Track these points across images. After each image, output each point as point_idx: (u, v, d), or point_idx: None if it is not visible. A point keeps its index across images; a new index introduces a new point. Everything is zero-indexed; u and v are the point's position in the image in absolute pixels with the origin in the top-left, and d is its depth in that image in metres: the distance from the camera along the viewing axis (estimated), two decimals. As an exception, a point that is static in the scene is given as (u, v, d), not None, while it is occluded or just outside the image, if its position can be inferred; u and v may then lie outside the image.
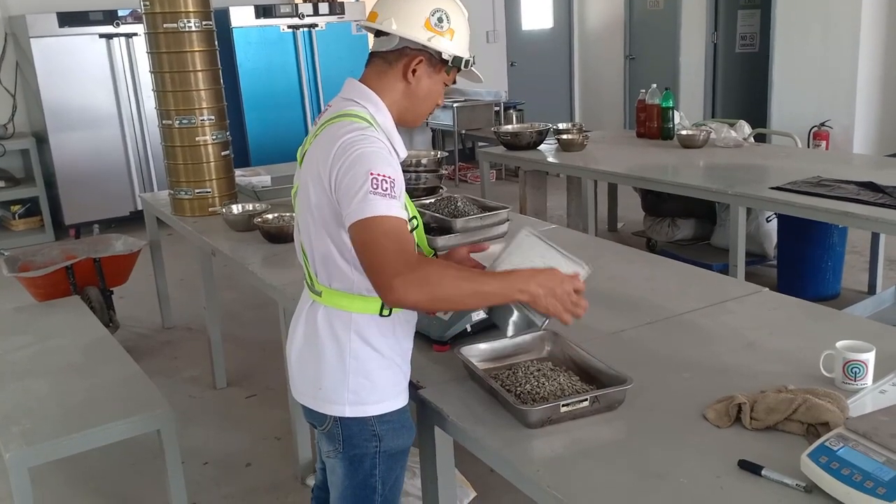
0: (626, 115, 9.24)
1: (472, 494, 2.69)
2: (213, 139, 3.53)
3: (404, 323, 1.71)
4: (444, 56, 1.67)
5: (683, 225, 5.08)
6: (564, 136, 4.69)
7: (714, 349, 1.90)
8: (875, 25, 7.12)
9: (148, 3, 3.37)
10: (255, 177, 4.06)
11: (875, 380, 1.65)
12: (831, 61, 7.17)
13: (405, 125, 1.74)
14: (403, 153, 1.69)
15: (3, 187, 6.48)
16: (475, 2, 8.34)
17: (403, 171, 1.70)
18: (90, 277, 4.13)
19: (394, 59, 1.66)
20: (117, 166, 6.60)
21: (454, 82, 1.77)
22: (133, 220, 6.31)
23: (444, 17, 1.66)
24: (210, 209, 3.54)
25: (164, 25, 3.36)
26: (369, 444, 1.67)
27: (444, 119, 7.95)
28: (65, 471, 3.06)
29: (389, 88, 1.67)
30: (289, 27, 6.95)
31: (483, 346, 1.85)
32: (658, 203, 5.10)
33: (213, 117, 3.51)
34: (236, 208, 3.35)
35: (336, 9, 7.15)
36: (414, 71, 1.66)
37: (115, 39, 6.42)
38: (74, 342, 3.02)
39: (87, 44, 6.32)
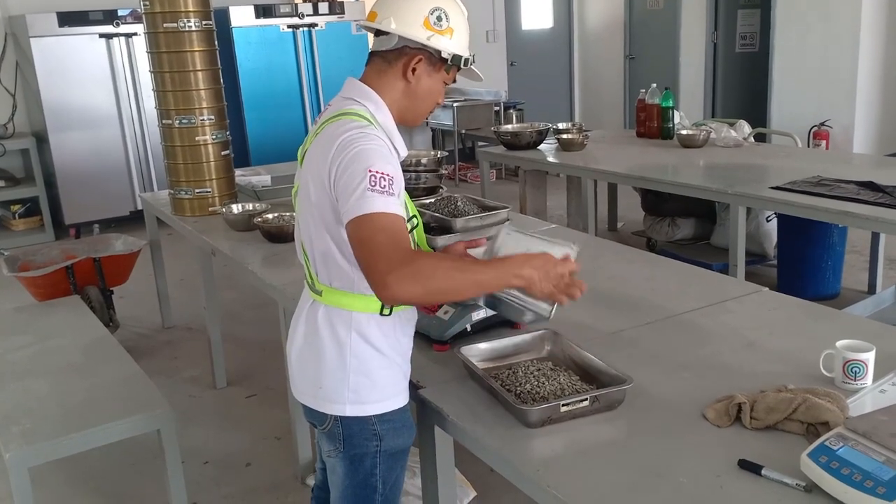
0: (626, 115, 9.24)
1: (472, 494, 2.69)
2: (213, 139, 3.53)
3: (405, 322, 1.71)
4: (444, 55, 1.67)
5: (683, 224, 5.08)
6: (564, 136, 4.69)
7: (714, 349, 1.90)
8: (875, 25, 7.12)
9: (148, 2, 3.37)
10: (255, 176, 4.06)
11: (875, 379, 1.65)
12: (831, 61, 7.17)
13: (406, 124, 1.74)
14: (404, 152, 1.69)
15: (3, 187, 6.48)
16: (475, 1, 8.34)
17: (403, 171, 1.70)
18: (90, 277, 4.13)
19: (393, 59, 1.67)
20: (117, 166, 6.60)
21: (454, 81, 1.77)
22: (133, 220, 6.31)
23: (443, 15, 1.66)
24: (210, 209, 3.54)
25: (164, 25, 3.36)
26: (370, 444, 1.67)
27: (444, 119, 7.95)
28: (65, 471, 3.06)
29: (389, 87, 1.67)
30: (289, 27, 6.95)
31: (483, 346, 1.85)
32: (658, 203, 5.10)
33: (213, 117, 3.51)
34: (236, 208, 3.35)
35: (336, 8, 7.15)
36: (414, 70, 1.66)
37: (115, 39, 6.42)
38: (74, 342, 3.02)
39: (86, 43, 6.32)
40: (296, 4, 7.06)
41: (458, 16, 1.70)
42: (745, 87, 8.32)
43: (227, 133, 3.63)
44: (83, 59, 6.33)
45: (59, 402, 2.50)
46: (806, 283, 4.29)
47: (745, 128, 4.78)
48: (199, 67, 3.44)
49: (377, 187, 1.48)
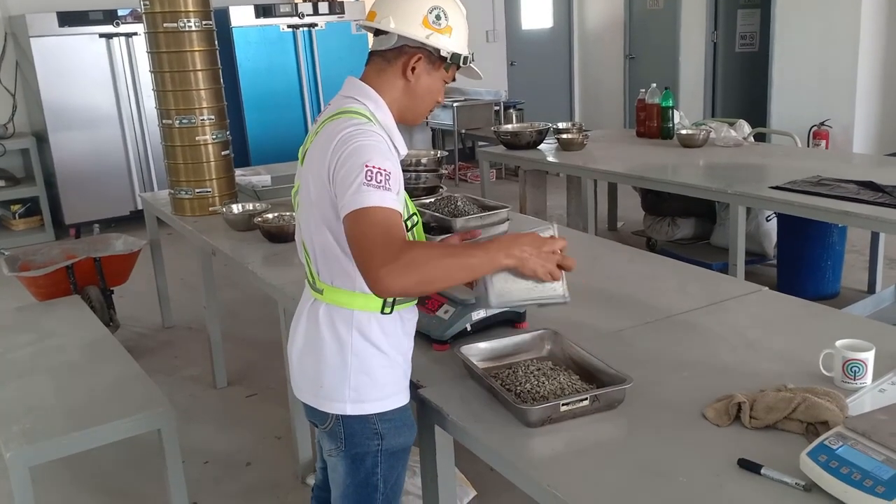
0: (626, 115, 9.24)
1: (473, 493, 2.69)
2: (213, 139, 3.53)
3: (406, 321, 1.72)
4: (443, 53, 1.67)
5: (683, 224, 5.08)
6: (564, 136, 4.69)
7: (713, 348, 1.90)
8: (875, 25, 7.12)
9: (148, 2, 3.37)
10: (255, 176, 4.06)
11: (874, 379, 1.65)
12: (831, 61, 7.17)
13: (406, 123, 1.74)
14: (404, 151, 1.69)
15: (3, 187, 6.48)
16: (475, 1, 8.36)
17: (403, 171, 1.70)
18: (90, 277, 4.13)
19: (393, 58, 1.67)
20: (117, 166, 6.60)
21: (454, 79, 1.77)
22: (133, 220, 6.31)
23: (441, 14, 1.66)
24: (210, 209, 3.54)
25: (164, 25, 3.37)
26: (371, 443, 1.67)
27: (444, 118, 7.95)
28: (65, 470, 3.06)
29: (389, 86, 1.68)
30: (289, 27, 6.95)
31: (483, 346, 1.86)
32: (658, 202, 5.11)
33: (213, 117, 3.51)
34: (236, 208, 3.35)
35: (336, 8, 7.15)
36: (413, 68, 1.66)
37: (115, 39, 6.42)
38: (75, 341, 3.02)
39: (86, 43, 6.32)
40: (296, 4, 7.06)
41: (457, 14, 1.70)
42: (744, 87, 8.32)
43: (228, 133, 3.63)
44: (83, 58, 6.32)
45: (60, 402, 2.51)
46: (806, 282, 4.29)
47: (745, 127, 4.78)
48: (199, 67, 3.44)
49: (373, 182, 1.47)
